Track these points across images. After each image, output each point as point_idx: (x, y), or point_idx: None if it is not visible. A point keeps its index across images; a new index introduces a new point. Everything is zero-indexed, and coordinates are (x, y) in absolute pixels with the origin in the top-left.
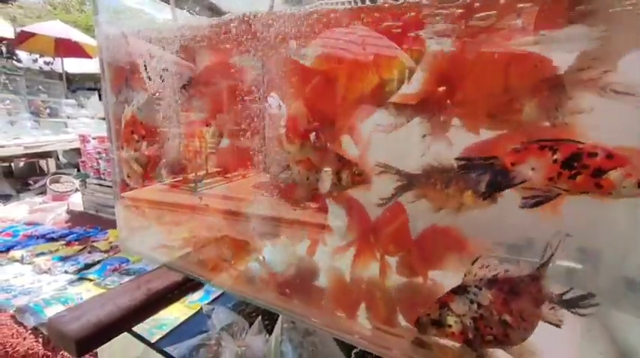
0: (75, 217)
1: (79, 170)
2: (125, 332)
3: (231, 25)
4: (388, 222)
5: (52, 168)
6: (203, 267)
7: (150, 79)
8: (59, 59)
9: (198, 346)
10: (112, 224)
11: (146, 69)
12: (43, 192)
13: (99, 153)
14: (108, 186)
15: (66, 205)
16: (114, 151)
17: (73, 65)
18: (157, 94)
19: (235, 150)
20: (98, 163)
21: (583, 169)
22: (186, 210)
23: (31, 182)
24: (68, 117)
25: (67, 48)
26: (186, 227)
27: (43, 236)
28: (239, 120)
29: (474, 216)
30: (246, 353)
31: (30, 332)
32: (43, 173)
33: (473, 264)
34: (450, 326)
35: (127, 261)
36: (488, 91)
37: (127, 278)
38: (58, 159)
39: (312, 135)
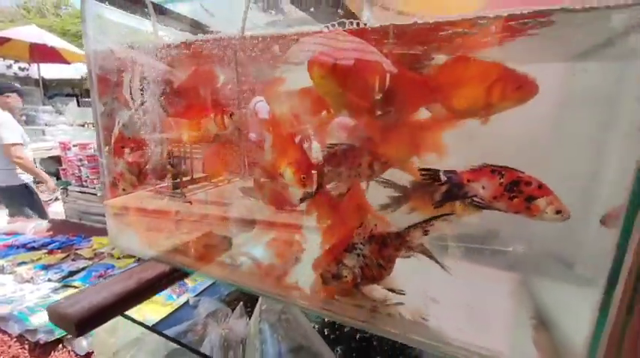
0: (56, 226)
1: (58, 178)
2: (119, 316)
3: (207, 44)
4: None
5: (30, 177)
6: (187, 259)
7: (132, 98)
8: (35, 65)
9: (186, 331)
10: (96, 231)
11: (130, 86)
12: None
13: (80, 160)
14: (90, 193)
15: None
16: (103, 156)
17: (50, 71)
18: (138, 109)
19: (220, 156)
20: (80, 170)
21: (519, 194)
22: (168, 216)
23: None
24: (46, 125)
25: (42, 53)
26: (169, 228)
27: (23, 245)
28: (220, 126)
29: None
30: (230, 335)
31: (15, 339)
32: None
33: (359, 227)
34: (345, 276)
35: (113, 266)
36: None
37: None
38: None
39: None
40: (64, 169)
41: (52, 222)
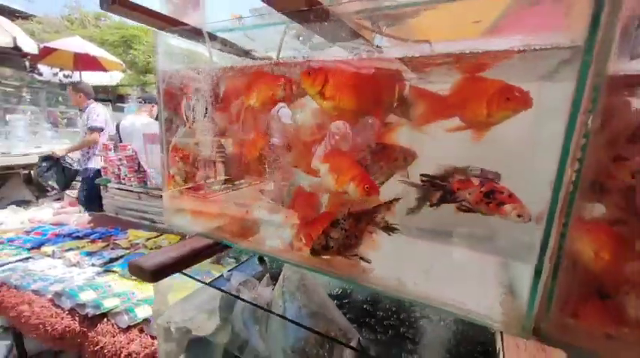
0: (96, 219)
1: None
2: (178, 273)
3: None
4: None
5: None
6: (228, 236)
7: (187, 117)
8: (77, 72)
9: (221, 297)
10: (131, 225)
11: (185, 106)
12: (60, 198)
13: (120, 159)
14: (127, 190)
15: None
16: (165, 157)
17: (89, 78)
18: (191, 126)
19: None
20: (119, 169)
21: (493, 200)
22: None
23: (48, 188)
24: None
25: (85, 62)
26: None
27: (69, 235)
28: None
29: None
30: (258, 299)
31: (67, 312)
32: None
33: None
34: (332, 247)
35: None
36: None
37: None
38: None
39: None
40: (104, 168)
41: (92, 215)
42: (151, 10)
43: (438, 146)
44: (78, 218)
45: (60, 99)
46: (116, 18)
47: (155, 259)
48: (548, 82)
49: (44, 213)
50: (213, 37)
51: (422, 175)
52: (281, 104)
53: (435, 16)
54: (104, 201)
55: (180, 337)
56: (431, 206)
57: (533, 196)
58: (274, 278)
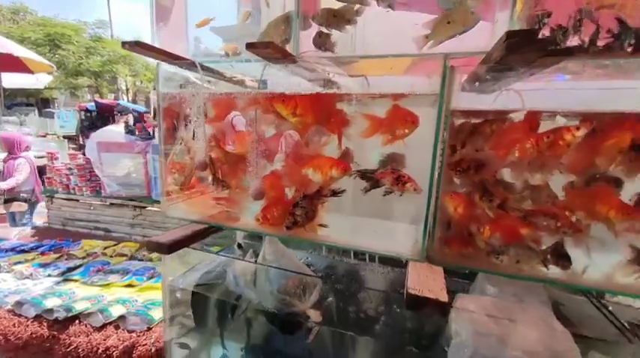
0: (40, 232)
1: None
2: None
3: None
4: None
5: None
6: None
7: (182, 139)
8: None
9: (215, 266)
10: (82, 235)
11: (185, 125)
12: None
13: (70, 169)
14: (75, 200)
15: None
16: (162, 163)
17: (11, 80)
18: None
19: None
20: (68, 179)
21: (400, 182)
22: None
23: None
24: None
25: (6, 63)
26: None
27: (12, 249)
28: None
29: None
30: (246, 266)
31: (32, 320)
32: None
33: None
34: (297, 222)
35: (108, 263)
36: None
37: (111, 276)
38: None
39: None
40: (49, 178)
41: (36, 228)
42: (163, 49)
43: (373, 148)
44: (19, 232)
45: None
46: (40, 13)
47: (169, 237)
48: (432, 108)
49: None
50: (205, 68)
51: (356, 171)
52: (235, 112)
53: (367, 63)
54: (49, 213)
55: (183, 294)
56: (365, 191)
57: (422, 179)
58: (256, 253)
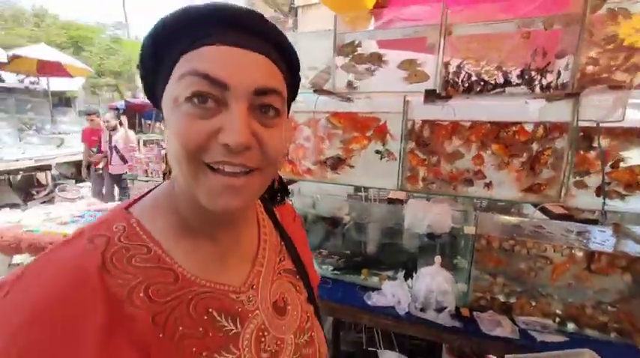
0: None
1: (76, 181)
2: None
3: None
4: None
5: (49, 180)
6: None
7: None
8: (43, 78)
9: None
10: None
11: None
12: (47, 200)
13: (149, 158)
14: (155, 181)
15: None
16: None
17: (56, 85)
18: None
19: None
20: (148, 165)
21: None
22: None
23: (34, 192)
24: (60, 133)
25: (49, 68)
26: None
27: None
28: None
29: None
30: None
31: None
32: (40, 184)
33: None
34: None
35: None
36: None
37: None
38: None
39: None
40: (130, 165)
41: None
42: None
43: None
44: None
45: (29, 106)
46: (62, 17)
47: None
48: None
49: (64, 208)
50: None
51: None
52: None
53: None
54: (131, 193)
55: None
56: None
57: (396, 153)
58: None
